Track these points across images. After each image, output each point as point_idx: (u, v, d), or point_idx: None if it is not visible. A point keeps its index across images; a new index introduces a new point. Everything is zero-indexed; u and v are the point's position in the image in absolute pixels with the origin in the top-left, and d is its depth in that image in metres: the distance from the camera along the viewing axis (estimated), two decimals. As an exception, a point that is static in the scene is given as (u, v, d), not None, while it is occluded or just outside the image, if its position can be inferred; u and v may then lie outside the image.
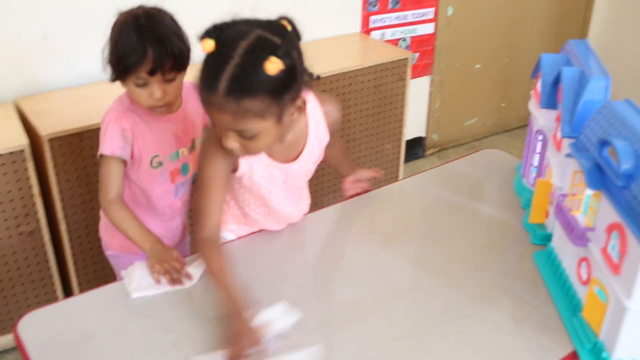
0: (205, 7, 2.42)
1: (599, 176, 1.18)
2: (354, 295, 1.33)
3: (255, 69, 1.15)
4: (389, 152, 2.83)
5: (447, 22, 3.19)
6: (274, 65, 1.14)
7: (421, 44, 3.14)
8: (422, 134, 3.41)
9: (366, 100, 2.66)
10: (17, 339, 1.23)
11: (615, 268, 1.11)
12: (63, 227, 2.11)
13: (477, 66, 3.41)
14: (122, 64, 1.46)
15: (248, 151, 1.28)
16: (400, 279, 1.38)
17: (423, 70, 3.22)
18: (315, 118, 1.44)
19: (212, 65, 1.17)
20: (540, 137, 1.60)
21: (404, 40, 3.07)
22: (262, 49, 1.16)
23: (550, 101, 1.52)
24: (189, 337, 1.21)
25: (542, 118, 1.55)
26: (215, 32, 1.18)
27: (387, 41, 3.00)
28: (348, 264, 1.44)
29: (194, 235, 1.38)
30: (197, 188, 1.44)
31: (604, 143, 1.18)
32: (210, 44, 1.17)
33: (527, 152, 1.67)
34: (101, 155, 1.56)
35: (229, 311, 1.21)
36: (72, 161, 2.05)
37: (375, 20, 2.94)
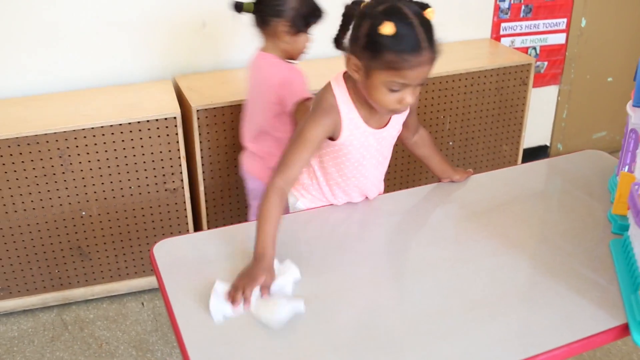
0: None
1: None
2: (423, 255, 1.50)
3: (432, 26, 1.40)
4: (506, 154, 2.93)
5: (580, 33, 3.23)
6: (432, 12, 1.41)
7: (551, 53, 3.21)
8: (547, 143, 3.47)
9: (487, 102, 2.79)
10: (152, 259, 1.52)
11: (669, 248, 1.22)
12: (201, 188, 2.44)
13: (609, 79, 3.41)
14: None
15: (412, 103, 1.47)
16: (484, 249, 1.52)
17: (552, 80, 3.28)
18: None
19: (405, 32, 1.35)
20: (633, 136, 1.68)
21: (534, 48, 3.16)
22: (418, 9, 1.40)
23: (642, 101, 1.61)
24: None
25: (635, 116, 1.64)
26: (384, 14, 1.37)
27: (516, 48, 3.10)
28: (435, 232, 1.61)
29: (269, 179, 1.48)
30: (292, 141, 1.50)
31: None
32: (390, 27, 1.35)
33: (622, 151, 1.76)
34: None
35: (255, 253, 1.38)
36: (215, 131, 2.37)
37: (505, 27, 3.06)
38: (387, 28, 1.34)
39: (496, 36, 3.07)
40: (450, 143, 2.81)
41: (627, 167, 1.72)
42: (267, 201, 1.45)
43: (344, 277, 1.43)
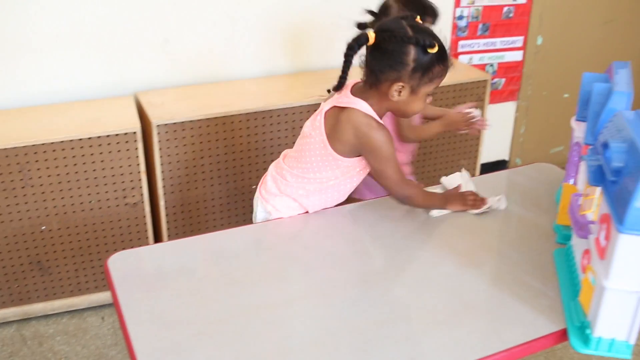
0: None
1: (600, 175, 1.34)
2: (370, 267, 1.54)
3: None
4: (464, 168, 2.99)
5: (536, 51, 3.33)
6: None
7: (509, 70, 3.30)
8: (506, 157, 3.55)
9: (445, 117, 2.85)
10: (107, 272, 1.54)
11: (602, 253, 1.27)
12: (162, 202, 2.45)
13: (565, 95, 3.51)
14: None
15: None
16: (431, 259, 1.57)
17: (509, 96, 3.37)
18: None
19: (440, 47, 1.59)
20: (577, 149, 1.75)
21: (492, 65, 3.24)
22: None
23: (584, 115, 1.67)
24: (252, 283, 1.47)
25: (578, 130, 1.70)
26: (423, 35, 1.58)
27: (474, 65, 3.18)
28: (383, 243, 1.65)
29: (402, 194, 1.73)
30: (386, 162, 1.69)
31: (606, 145, 1.34)
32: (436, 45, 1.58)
33: (567, 164, 1.82)
34: None
35: (447, 196, 1.77)
36: (175, 146, 2.39)
37: (463, 45, 3.14)
38: (435, 47, 1.56)
39: (454, 53, 3.14)
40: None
41: (572, 179, 1.78)
42: (415, 194, 1.75)
43: (293, 286, 1.46)
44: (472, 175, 2.99)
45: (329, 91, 1.71)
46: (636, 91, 3.87)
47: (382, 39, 1.58)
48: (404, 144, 2.13)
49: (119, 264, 1.54)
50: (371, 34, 1.58)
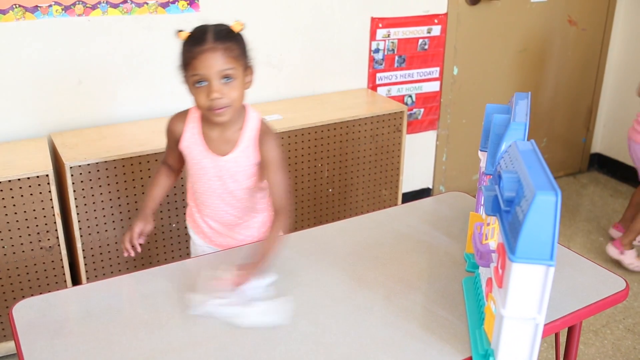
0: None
1: (497, 204, 1.38)
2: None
3: (227, 27, 1.64)
4: (386, 199, 3.04)
5: (453, 81, 3.42)
6: (238, 25, 1.65)
7: (427, 100, 3.38)
8: (429, 185, 3.61)
9: (364, 149, 2.89)
10: (11, 321, 1.49)
11: (499, 282, 1.30)
12: (79, 245, 2.40)
13: (484, 123, 3.60)
14: None
15: (227, 98, 1.61)
16: (340, 293, 1.57)
17: (429, 125, 3.44)
18: (252, 125, 1.74)
19: (196, 33, 1.62)
20: (484, 178, 1.80)
21: (410, 96, 3.31)
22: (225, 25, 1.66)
23: (486, 145, 1.73)
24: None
25: (482, 160, 1.76)
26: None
27: (392, 97, 3.25)
28: (293, 278, 1.65)
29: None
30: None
31: (500, 176, 1.38)
32: (185, 33, 1.64)
33: (477, 192, 1.87)
34: None
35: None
36: (90, 187, 2.35)
37: (381, 77, 3.20)
38: (182, 34, 1.63)
39: (372, 86, 3.20)
40: (330, 190, 2.89)
41: (481, 208, 1.82)
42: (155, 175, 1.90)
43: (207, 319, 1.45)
44: (395, 204, 3.05)
45: None
46: (548, 118, 4.03)
47: None
48: None
49: (24, 311, 1.50)
50: None
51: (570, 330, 1.67)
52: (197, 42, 1.59)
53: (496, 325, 1.31)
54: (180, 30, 1.64)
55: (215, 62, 1.58)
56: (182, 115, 1.77)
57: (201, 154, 1.75)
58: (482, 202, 1.80)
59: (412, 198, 3.28)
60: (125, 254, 1.77)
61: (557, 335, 1.82)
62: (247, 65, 1.67)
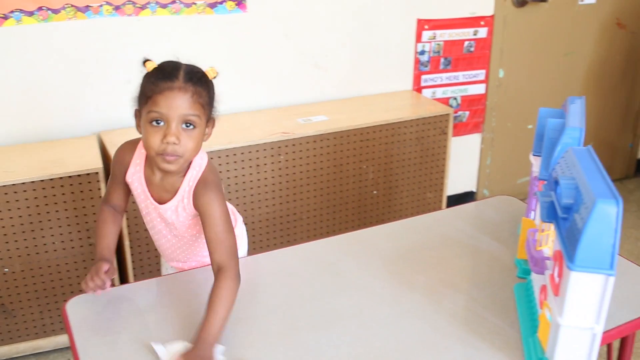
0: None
1: (553, 211, 1.35)
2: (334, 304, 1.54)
3: (201, 70, 1.49)
4: (430, 202, 3.02)
5: (499, 84, 3.39)
6: (212, 71, 1.50)
7: (472, 103, 3.35)
8: (473, 189, 3.58)
9: (409, 151, 2.88)
10: (65, 316, 1.51)
11: (556, 290, 1.28)
12: (127, 242, 2.43)
13: (529, 126, 3.56)
14: None
15: (182, 146, 1.44)
16: (389, 297, 1.57)
17: (474, 128, 3.41)
18: (193, 174, 1.55)
19: (167, 67, 1.46)
20: (535, 182, 1.77)
21: (455, 99, 3.29)
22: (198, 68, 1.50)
23: (539, 149, 1.70)
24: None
25: (535, 164, 1.73)
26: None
27: (437, 99, 3.23)
28: (343, 281, 1.65)
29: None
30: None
31: (557, 182, 1.36)
32: (153, 64, 1.49)
33: (529, 197, 1.84)
34: None
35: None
36: (138, 186, 2.38)
37: (426, 79, 3.18)
38: (149, 65, 1.49)
39: (417, 88, 3.18)
40: (375, 192, 2.88)
41: (532, 213, 1.80)
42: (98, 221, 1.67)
43: (253, 328, 1.45)
44: (439, 209, 3.03)
45: None
46: (594, 123, 3.97)
47: None
48: None
49: (77, 307, 1.52)
50: None
51: (624, 341, 1.64)
52: (166, 77, 1.43)
53: (552, 334, 1.29)
54: (147, 60, 1.49)
55: (181, 103, 1.41)
56: (132, 145, 1.62)
57: (142, 196, 1.60)
58: (535, 208, 1.78)
59: (456, 201, 3.26)
60: (91, 292, 1.53)
61: (609, 346, 1.79)
62: (210, 117, 1.52)
